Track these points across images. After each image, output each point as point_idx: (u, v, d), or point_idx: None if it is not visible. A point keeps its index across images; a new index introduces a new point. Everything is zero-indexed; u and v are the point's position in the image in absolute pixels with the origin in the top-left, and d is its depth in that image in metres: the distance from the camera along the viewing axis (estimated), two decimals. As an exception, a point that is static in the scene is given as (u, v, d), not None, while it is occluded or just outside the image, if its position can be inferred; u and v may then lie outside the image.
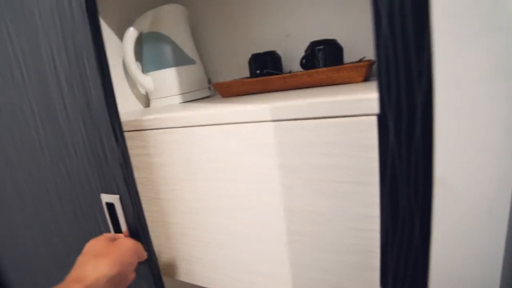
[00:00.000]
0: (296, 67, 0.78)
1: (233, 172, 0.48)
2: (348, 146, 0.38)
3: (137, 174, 0.58)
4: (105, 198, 0.50)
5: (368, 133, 0.37)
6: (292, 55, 0.84)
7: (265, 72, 0.74)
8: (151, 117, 0.53)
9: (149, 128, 0.54)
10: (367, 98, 0.35)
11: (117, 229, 0.52)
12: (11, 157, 0.66)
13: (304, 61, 0.67)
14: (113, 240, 0.48)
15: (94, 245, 0.46)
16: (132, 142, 0.57)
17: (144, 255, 0.49)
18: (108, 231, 0.54)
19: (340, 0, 0.75)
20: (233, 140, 0.47)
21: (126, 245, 0.46)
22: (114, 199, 0.49)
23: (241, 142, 0.46)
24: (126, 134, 0.50)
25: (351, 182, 0.39)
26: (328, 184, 0.41)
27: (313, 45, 0.68)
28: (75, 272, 0.42)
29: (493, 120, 0.40)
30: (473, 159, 0.42)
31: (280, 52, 0.81)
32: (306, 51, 0.70)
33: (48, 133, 0.55)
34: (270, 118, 0.43)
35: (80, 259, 0.44)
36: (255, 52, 0.81)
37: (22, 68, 0.53)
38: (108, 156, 0.47)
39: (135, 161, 0.58)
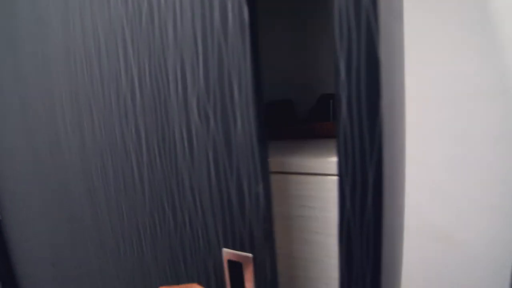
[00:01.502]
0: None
1: None
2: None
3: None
4: (228, 254, 0.39)
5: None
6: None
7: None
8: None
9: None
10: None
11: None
12: (97, 189, 0.53)
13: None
14: None
15: None
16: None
17: None
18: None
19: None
20: None
21: None
22: (243, 257, 0.38)
23: None
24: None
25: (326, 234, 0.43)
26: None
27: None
28: None
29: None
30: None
31: None
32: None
33: (156, 168, 0.44)
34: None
35: None
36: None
37: (134, 86, 0.42)
38: (246, 204, 0.37)
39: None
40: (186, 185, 0.42)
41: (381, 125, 0.30)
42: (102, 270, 0.59)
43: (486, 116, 0.51)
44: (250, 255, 0.38)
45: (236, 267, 0.39)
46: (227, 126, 0.36)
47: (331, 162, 0.44)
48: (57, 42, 0.52)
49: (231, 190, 0.38)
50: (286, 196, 0.48)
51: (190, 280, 0.45)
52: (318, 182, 0.45)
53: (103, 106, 0.47)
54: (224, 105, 0.36)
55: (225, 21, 0.34)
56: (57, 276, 0.71)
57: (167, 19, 0.38)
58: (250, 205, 0.37)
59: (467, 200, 0.53)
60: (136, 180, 0.47)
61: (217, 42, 0.35)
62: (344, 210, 0.33)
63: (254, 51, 0.33)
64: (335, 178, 0.34)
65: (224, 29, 0.34)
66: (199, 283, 0.44)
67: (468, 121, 0.52)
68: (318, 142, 0.59)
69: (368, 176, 0.31)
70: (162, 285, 0.49)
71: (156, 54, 0.40)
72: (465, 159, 0.52)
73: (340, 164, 0.32)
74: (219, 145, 0.37)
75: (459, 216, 0.54)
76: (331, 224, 0.46)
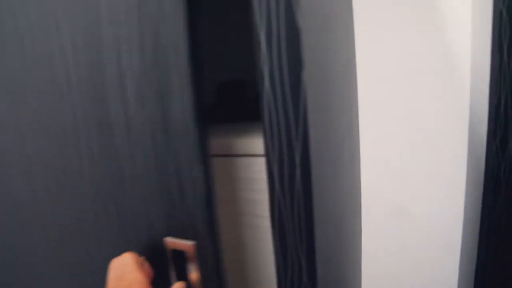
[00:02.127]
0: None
1: None
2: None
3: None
4: (172, 243, 0.38)
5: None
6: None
7: None
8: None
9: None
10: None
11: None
12: (37, 186, 0.49)
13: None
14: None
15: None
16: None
17: None
18: (167, 283, 0.41)
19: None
20: None
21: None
22: (186, 246, 0.37)
23: None
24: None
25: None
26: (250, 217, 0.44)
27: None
28: None
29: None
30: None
31: None
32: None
33: (95, 155, 0.41)
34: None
35: None
36: None
37: (69, 68, 0.39)
38: (185, 191, 0.35)
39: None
40: (126, 172, 0.39)
41: (305, 99, 0.29)
42: (46, 259, 0.55)
43: (434, 92, 0.51)
44: (192, 243, 0.37)
45: (180, 256, 0.38)
46: (164, 108, 0.34)
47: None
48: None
49: (170, 176, 0.36)
50: (233, 179, 0.47)
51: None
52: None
53: (37, 87, 0.44)
54: (161, 87, 0.34)
55: None
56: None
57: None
58: (190, 191, 0.35)
59: (421, 175, 0.54)
60: (75, 167, 0.44)
61: (154, 21, 0.32)
62: (274, 192, 0.32)
63: (192, 31, 0.31)
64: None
65: (160, 6, 0.32)
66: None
67: (418, 98, 0.53)
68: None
69: (295, 153, 0.30)
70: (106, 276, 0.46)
71: (91, 33, 0.36)
72: (416, 135, 0.53)
73: (266, 143, 0.31)
74: (157, 129, 0.35)
75: (413, 191, 0.55)
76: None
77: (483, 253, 0.57)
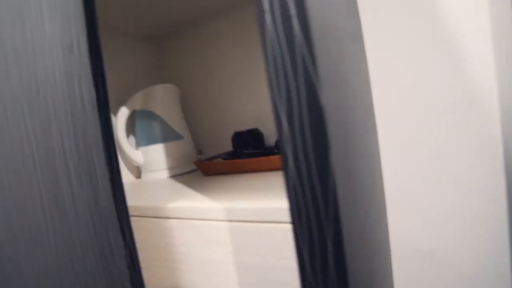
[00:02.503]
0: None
1: (188, 263, 0.50)
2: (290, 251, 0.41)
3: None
4: None
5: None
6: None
7: (244, 153, 0.76)
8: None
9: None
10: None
11: None
12: (19, 241, 0.55)
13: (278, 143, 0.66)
14: None
15: None
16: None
17: None
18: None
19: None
20: (194, 233, 0.49)
21: None
22: None
23: (198, 236, 0.48)
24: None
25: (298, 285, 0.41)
26: (279, 285, 0.42)
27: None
28: None
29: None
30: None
31: (265, 128, 0.87)
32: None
33: (54, 225, 0.48)
34: (224, 218, 0.45)
35: None
36: (241, 127, 0.89)
37: (34, 152, 0.47)
38: (115, 257, 0.42)
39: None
40: (75, 239, 0.45)
41: (334, 181, 0.27)
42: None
43: (461, 128, 0.48)
44: None
45: None
46: (94, 189, 0.41)
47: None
48: None
49: (105, 245, 0.42)
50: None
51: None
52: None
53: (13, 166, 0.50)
54: (90, 172, 0.41)
55: (83, 102, 0.39)
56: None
57: (47, 96, 0.42)
58: (119, 257, 0.41)
59: (451, 218, 0.50)
60: (44, 235, 0.49)
61: (81, 120, 0.40)
62: (305, 276, 0.30)
63: (105, 126, 0.39)
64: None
65: (83, 108, 0.40)
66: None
67: (444, 135, 0.50)
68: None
69: (327, 239, 0.29)
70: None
71: (45, 125, 0.43)
72: (444, 174, 0.50)
73: (295, 227, 0.30)
74: (92, 204, 0.41)
75: (441, 234, 0.51)
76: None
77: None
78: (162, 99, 0.86)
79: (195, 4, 0.87)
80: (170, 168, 0.85)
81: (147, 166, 0.86)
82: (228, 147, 0.96)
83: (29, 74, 0.46)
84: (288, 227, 0.41)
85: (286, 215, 0.41)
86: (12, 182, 0.53)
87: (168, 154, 0.84)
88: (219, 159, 0.78)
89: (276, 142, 0.67)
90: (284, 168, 0.30)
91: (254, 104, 0.91)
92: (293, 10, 0.28)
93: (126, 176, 0.90)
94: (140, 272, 0.42)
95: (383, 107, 0.53)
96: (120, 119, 0.82)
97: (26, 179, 0.50)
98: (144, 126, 0.85)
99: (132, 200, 0.59)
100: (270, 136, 0.87)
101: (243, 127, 0.87)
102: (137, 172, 0.94)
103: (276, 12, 0.28)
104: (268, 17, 0.28)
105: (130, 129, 0.91)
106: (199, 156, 1.01)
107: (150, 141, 0.84)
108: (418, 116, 0.50)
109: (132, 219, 0.53)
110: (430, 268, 0.51)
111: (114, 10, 0.80)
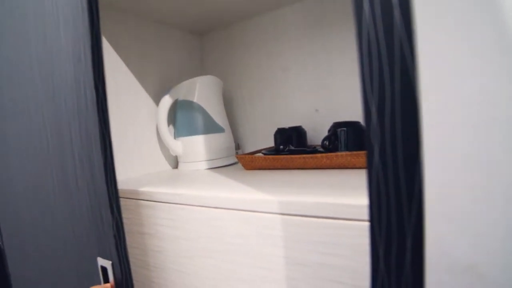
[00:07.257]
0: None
1: (237, 255, 0.50)
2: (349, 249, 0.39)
3: (159, 244, 0.61)
4: (100, 261, 0.54)
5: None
6: (320, 129, 0.86)
7: (287, 150, 0.74)
8: (172, 192, 0.56)
9: (168, 202, 0.57)
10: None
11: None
12: (34, 210, 0.70)
13: (325, 142, 0.65)
14: None
15: None
16: (157, 212, 0.60)
17: None
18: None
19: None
20: (244, 225, 0.48)
21: None
22: (107, 264, 0.53)
23: (249, 228, 0.47)
24: (149, 204, 0.60)
25: (352, 285, 0.39)
26: (330, 284, 0.41)
27: (336, 126, 0.67)
28: None
29: None
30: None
31: (308, 126, 0.83)
32: (329, 131, 0.68)
33: (61, 198, 0.61)
34: (277, 211, 0.44)
35: None
36: (282, 124, 0.86)
37: (48, 139, 0.61)
38: (105, 226, 0.51)
39: (159, 231, 0.60)
40: (76, 210, 0.57)
41: (421, 178, 0.26)
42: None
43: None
44: (110, 262, 0.52)
45: (105, 271, 0.53)
46: (92, 171, 0.51)
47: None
48: None
49: (97, 214, 0.52)
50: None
51: (87, 278, 0.59)
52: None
53: (32, 151, 0.64)
54: (90, 157, 0.50)
55: (86, 102, 0.48)
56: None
57: (60, 97, 0.53)
58: (107, 226, 0.50)
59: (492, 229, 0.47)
60: (52, 207, 0.61)
61: (84, 116, 0.49)
62: (378, 274, 0.29)
63: (103, 124, 0.47)
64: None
65: (86, 107, 0.48)
66: (91, 282, 0.58)
67: (494, 148, 0.47)
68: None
69: (407, 237, 0.28)
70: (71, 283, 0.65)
71: (58, 119, 0.54)
72: (488, 187, 0.47)
73: (372, 225, 0.29)
74: (90, 183, 0.52)
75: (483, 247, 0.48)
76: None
77: None
78: (205, 90, 0.85)
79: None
80: (209, 161, 0.83)
81: (186, 156, 0.85)
82: (266, 143, 0.94)
83: (48, 78, 0.57)
84: (346, 224, 0.40)
85: (346, 212, 0.39)
86: (32, 162, 0.67)
87: (208, 146, 0.83)
88: (260, 154, 0.76)
89: (322, 141, 0.66)
90: (368, 162, 0.28)
91: (298, 102, 0.89)
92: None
93: (164, 165, 0.90)
94: (125, 241, 0.51)
95: (444, 115, 0.50)
96: (162, 107, 0.82)
97: (42, 160, 0.64)
98: (186, 116, 0.85)
99: (180, 189, 0.57)
100: (312, 136, 0.86)
101: (284, 124, 0.83)
102: (174, 162, 0.93)
103: (376, 1, 0.27)
104: (366, 5, 0.27)
105: (171, 119, 0.89)
106: (237, 151, 0.97)
107: (191, 131, 0.84)
108: (480, 125, 0.47)
109: (178, 206, 0.55)
110: (470, 284, 0.48)
111: (165, 2, 0.80)
